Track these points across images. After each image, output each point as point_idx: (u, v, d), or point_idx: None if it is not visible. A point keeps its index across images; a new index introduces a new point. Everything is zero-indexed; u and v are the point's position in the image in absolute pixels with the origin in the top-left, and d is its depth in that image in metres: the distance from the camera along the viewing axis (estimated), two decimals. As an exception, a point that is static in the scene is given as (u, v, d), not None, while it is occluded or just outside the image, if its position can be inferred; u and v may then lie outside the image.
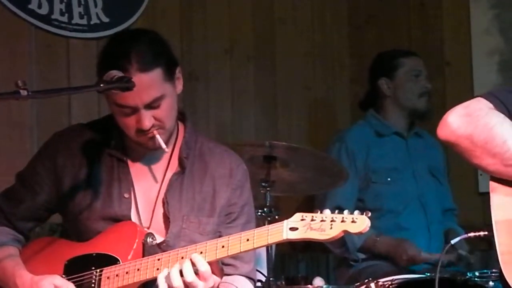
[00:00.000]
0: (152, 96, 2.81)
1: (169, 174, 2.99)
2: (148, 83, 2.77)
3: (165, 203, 2.94)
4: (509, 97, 2.55)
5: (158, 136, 2.86)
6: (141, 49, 2.82)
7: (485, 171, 2.52)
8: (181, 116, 3.07)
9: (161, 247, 2.88)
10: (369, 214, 2.52)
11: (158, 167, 3.01)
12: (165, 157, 3.00)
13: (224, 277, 2.88)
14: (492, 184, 2.50)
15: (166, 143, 2.92)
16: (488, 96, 2.56)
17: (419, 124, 4.59)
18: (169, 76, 2.87)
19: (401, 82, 4.51)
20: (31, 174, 3.04)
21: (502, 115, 2.51)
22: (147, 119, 2.82)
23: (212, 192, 2.99)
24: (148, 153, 2.98)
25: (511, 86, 2.63)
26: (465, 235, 3.03)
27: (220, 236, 2.93)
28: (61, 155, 3.01)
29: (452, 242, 2.99)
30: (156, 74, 2.81)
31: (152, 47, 2.86)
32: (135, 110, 2.82)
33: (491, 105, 2.53)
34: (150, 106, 2.82)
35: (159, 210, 2.96)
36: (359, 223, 2.50)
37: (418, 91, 4.49)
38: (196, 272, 2.65)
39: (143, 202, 2.97)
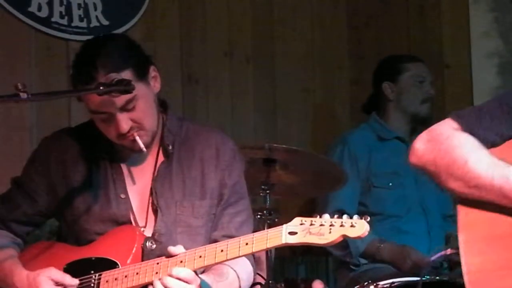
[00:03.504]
0: (124, 99, 2.80)
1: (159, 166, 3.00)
2: None
3: (152, 193, 2.95)
4: (477, 118, 2.50)
5: (138, 138, 2.86)
6: (106, 55, 2.81)
7: (453, 194, 2.50)
8: (162, 108, 3.04)
9: (155, 238, 2.88)
10: (368, 219, 2.51)
11: (148, 162, 3.01)
12: (154, 150, 3.00)
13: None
14: (459, 205, 2.48)
15: (151, 142, 2.93)
16: (455, 117, 2.53)
17: (421, 129, 4.58)
18: (141, 76, 2.86)
19: (405, 86, 4.50)
20: (27, 181, 3.04)
21: (464, 135, 2.47)
22: (124, 122, 2.82)
23: (201, 175, 2.99)
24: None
25: (483, 105, 2.55)
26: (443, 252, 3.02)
27: (215, 217, 2.96)
28: (54, 160, 3.02)
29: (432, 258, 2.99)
30: (124, 76, 2.79)
31: (118, 51, 2.85)
32: (111, 115, 2.82)
33: (455, 125, 2.51)
34: (125, 109, 2.82)
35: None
36: (358, 227, 2.50)
37: (421, 97, 4.48)
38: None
39: (138, 200, 2.98)
